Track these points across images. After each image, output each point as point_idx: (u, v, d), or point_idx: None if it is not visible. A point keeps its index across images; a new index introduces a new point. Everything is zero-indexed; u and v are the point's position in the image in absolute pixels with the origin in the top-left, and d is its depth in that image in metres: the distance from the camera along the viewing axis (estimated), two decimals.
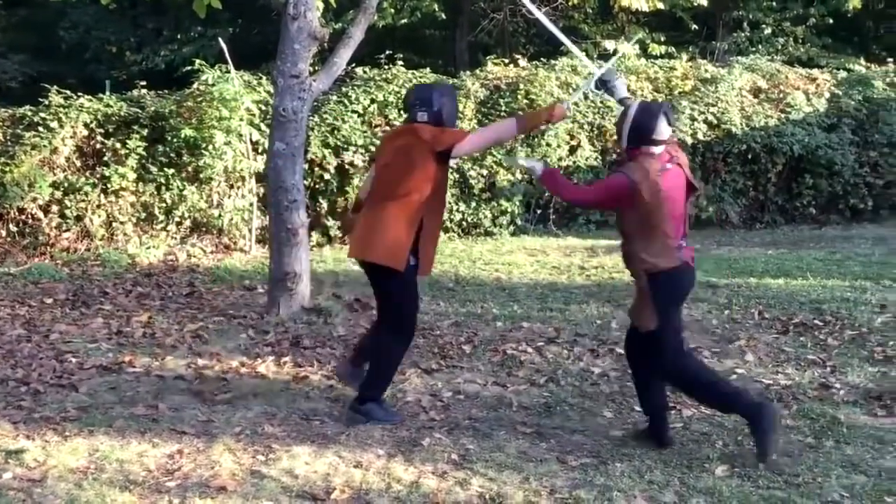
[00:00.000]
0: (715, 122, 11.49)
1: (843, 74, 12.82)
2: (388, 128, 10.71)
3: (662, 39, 14.28)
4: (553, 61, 12.04)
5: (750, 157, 11.57)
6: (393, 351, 4.57)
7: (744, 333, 6.24)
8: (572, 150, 11.25)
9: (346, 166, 10.35)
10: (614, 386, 5.23)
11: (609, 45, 12.77)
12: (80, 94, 10.10)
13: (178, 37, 16.98)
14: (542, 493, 3.75)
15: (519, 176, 11.03)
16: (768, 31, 15.53)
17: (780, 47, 15.21)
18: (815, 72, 12.71)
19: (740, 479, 3.89)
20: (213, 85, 9.90)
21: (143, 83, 10.85)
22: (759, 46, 15.07)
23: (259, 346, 6.01)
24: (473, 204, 10.93)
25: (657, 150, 4.17)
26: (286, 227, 6.76)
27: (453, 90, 4.95)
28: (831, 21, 16.38)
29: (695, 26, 15.54)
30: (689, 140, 11.34)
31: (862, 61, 14.09)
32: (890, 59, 12.82)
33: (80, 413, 4.62)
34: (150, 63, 16.70)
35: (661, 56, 13.46)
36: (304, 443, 4.26)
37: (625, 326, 6.50)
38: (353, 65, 11.08)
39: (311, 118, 10.27)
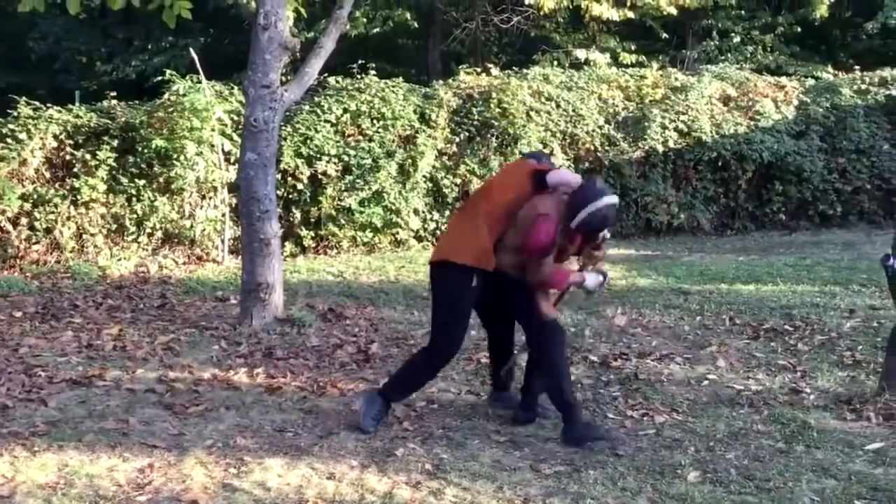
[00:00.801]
0: (685, 129, 11.60)
1: (811, 82, 13.00)
2: (360, 137, 10.71)
3: (633, 48, 14.40)
4: (525, 70, 12.10)
5: (720, 164, 11.69)
6: None
7: (715, 339, 6.29)
8: None
9: (319, 176, 10.33)
10: (587, 393, 5.24)
11: (580, 54, 12.83)
12: (49, 105, 10.01)
13: (149, 47, 16.92)
14: (515, 502, 3.75)
15: None
16: (737, 39, 15.71)
17: (748, 55, 15.39)
18: (784, 79, 12.89)
19: (712, 484, 3.92)
20: (184, 95, 9.84)
21: (114, 94, 10.78)
22: (728, 55, 15.24)
23: (231, 357, 5.97)
24: (447, 213, 10.94)
25: None
26: (258, 238, 6.73)
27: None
28: (799, 29, 16.60)
29: (665, 35, 15.68)
30: (660, 148, 11.44)
31: (829, 69, 14.28)
32: (857, 67, 13.00)
33: (50, 428, 4.56)
34: (120, 73, 16.62)
35: (632, 65, 13.56)
36: (276, 455, 4.23)
37: (599, 334, 6.57)
38: (326, 74, 11.07)
39: (283, 128, 10.26)
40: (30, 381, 5.37)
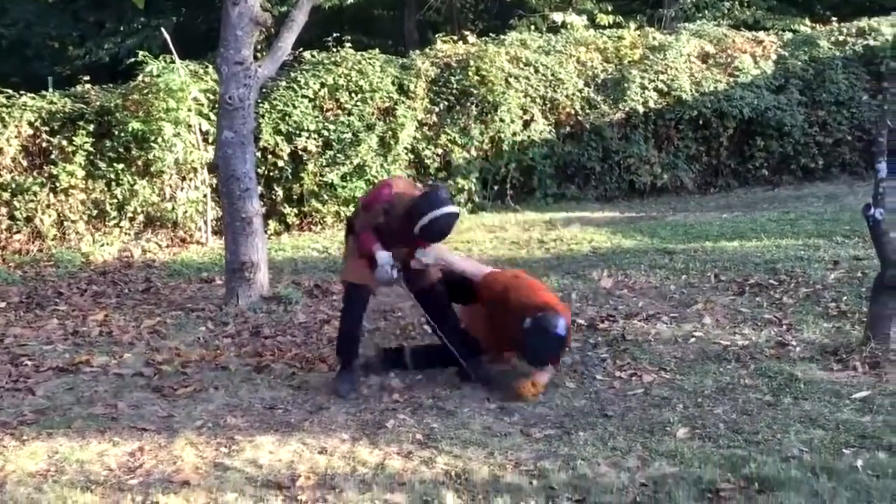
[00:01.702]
0: (665, 89, 11.56)
1: (788, 35, 12.95)
2: (339, 111, 10.63)
3: (609, 9, 14.31)
4: (502, 36, 12.01)
5: (701, 122, 11.67)
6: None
7: (701, 297, 6.31)
8: (526, 125, 11.24)
9: (300, 152, 10.26)
10: (576, 356, 5.25)
11: (557, 17, 12.74)
12: (22, 92, 9.89)
13: (121, 29, 16.71)
14: (507, 467, 3.76)
15: (475, 153, 11.02)
16: None
17: (725, 11, 15.32)
18: (762, 34, 12.83)
19: (701, 440, 3.94)
20: (158, 76, 9.74)
21: (87, 78, 10.66)
22: (706, 11, 15.16)
23: (219, 337, 5.95)
24: (430, 183, 10.88)
25: None
26: (240, 217, 6.68)
27: None
28: None
29: None
30: (641, 109, 11.40)
31: (807, 21, 14.21)
32: (834, 19, 12.96)
33: (38, 416, 4.54)
34: (93, 57, 16.40)
35: (610, 26, 13.48)
36: (267, 432, 4.23)
37: (585, 297, 6.58)
38: (301, 49, 10.98)
39: (261, 105, 10.18)
40: (16, 371, 5.34)
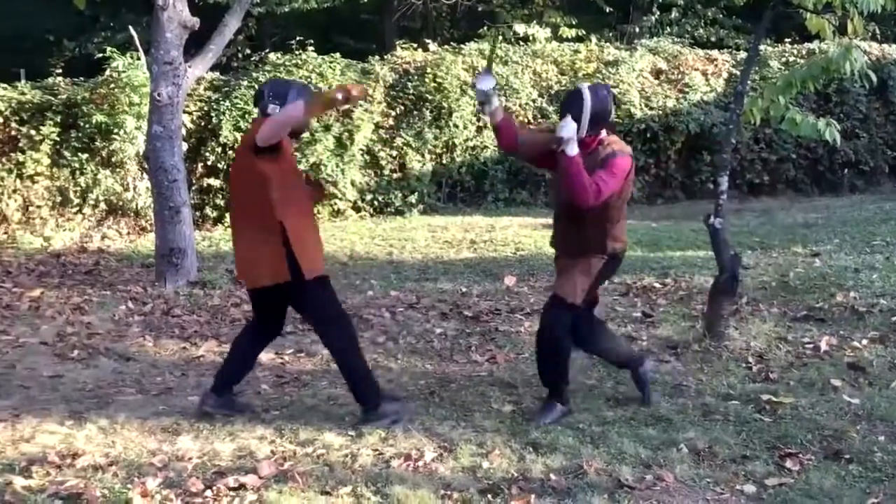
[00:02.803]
0: (615, 102, 11.99)
1: (742, 55, 13.36)
2: None
3: (574, 23, 14.76)
4: (462, 45, 12.50)
5: (649, 135, 12.11)
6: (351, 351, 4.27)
7: None
8: (479, 131, 11.72)
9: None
10: (446, 343, 5.72)
11: (520, 28, 13.25)
12: None
13: (112, 25, 17.28)
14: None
15: (429, 157, 11.51)
16: (675, 14, 16.02)
17: (689, 29, 15.73)
18: (715, 52, 13.27)
19: (520, 416, 4.36)
20: (123, 72, 10.28)
21: (59, 71, 11.22)
22: (668, 28, 15.59)
23: (133, 315, 6.46)
24: (384, 183, 11.38)
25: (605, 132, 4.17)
26: (168, 206, 7.21)
27: (311, 90, 4.54)
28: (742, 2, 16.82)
29: (609, 9, 16.01)
30: None
31: (768, 41, 14.59)
32: (786, 40, 13.36)
33: None
34: (83, 51, 16.97)
35: (573, 39, 13.94)
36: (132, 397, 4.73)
37: (486, 293, 7.05)
38: (268, 50, 11.50)
39: (222, 103, 10.72)
40: None
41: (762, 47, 13.79)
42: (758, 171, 12.44)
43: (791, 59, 12.83)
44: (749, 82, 12.37)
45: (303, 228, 4.10)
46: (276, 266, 4.03)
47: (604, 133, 4.17)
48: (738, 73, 12.63)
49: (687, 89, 12.33)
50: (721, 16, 16.33)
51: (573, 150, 3.95)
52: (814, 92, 12.22)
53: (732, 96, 12.25)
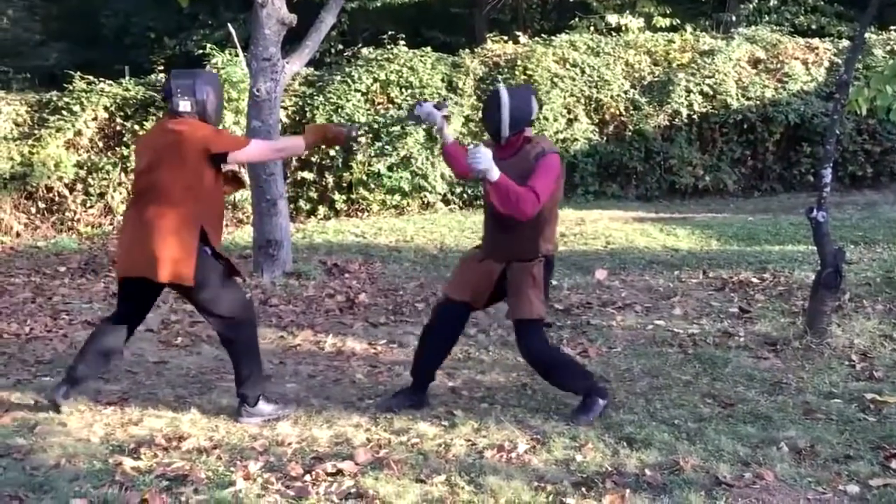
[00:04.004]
0: (711, 93, 11.77)
1: (845, 43, 12.91)
2: (390, 105, 11.28)
3: (668, 12, 14.50)
4: (553, 37, 12.43)
5: (746, 126, 11.83)
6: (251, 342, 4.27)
7: (682, 291, 6.66)
8: (569, 123, 11.65)
9: (351, 143, 10.93)
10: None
11: (612, 18, 13.09)
12: (101, 79, 10.90)
13: (210, 23, 17.77)
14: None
15: None
16: (774, 1, 15.58)
17: (789, 17, 15.27)
18: (816, 41, 12.85)
19: (613, 409, 4.33)
20: (222, 68, 10.58)
21: (161, 67, 11.61)
22: (767, 17, 15.16)
23: None
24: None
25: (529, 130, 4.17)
26: (265, 198, 7.38)
27: (218, 79, 4.51)
28: None
29: None
30: (685, 111, 11.65)
31: (873, 28, 14.05)
32: (892, 28, 12.85)
33: (53, 357, 5.30)
34: (184, 48, 17.51)
35: (667, 29, 13.71)
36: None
37: (576, 287, 7.00)
38: (360, 45, 11.66)
39: (315, 97, 10.93)
40: (53, 323, 6.16)
41: (866, 35, 13.32)
42: (860, 163, 12.02)
43: None
44: (853, 71, 12.05)
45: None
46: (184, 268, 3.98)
47: (528, 131, 4.10)
48: (840, 61, 12.25)
49: (786, 79, 11.99)
50: (822, 3, 15.81)
51: (494, 175, 3.81)
52: None
53: (835, 86, 11.99)
